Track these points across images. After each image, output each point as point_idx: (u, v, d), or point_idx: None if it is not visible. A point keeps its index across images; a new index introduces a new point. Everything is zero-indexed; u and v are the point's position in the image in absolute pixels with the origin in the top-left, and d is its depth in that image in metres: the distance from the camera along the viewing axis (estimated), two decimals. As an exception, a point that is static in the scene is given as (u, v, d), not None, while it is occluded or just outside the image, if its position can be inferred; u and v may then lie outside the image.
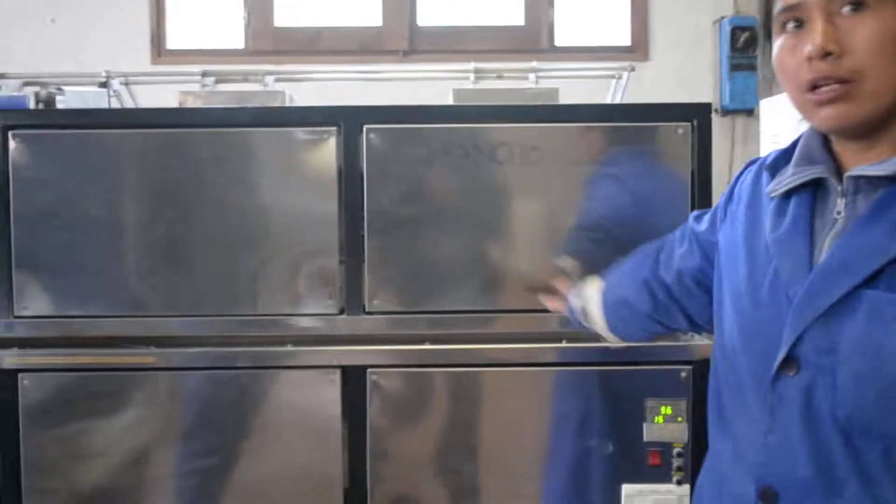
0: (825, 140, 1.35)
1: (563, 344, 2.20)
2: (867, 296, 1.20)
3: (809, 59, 1.23)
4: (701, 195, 2.17)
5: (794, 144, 1.40)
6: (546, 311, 2.16)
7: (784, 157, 1.40)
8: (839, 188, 1.29)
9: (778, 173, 1.39)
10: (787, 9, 1.27)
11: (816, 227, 1.31)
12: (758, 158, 1.52)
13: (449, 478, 2.25)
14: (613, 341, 1.86)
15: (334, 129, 2.23)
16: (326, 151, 2.23)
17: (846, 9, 1.23)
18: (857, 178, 1.27)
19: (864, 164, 1.28)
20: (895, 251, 1.20)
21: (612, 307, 1.80)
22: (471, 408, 2.25)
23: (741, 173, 1.53)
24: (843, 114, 1.24)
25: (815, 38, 1.23)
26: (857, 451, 1.21)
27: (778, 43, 1.31)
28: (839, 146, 1.33)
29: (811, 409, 1.24)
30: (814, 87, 1.24)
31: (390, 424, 2.23)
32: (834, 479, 1.23)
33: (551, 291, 2.02)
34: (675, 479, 2.20)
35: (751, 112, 4.20)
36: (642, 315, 1.72)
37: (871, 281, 1.20)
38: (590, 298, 1.85)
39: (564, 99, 2.51)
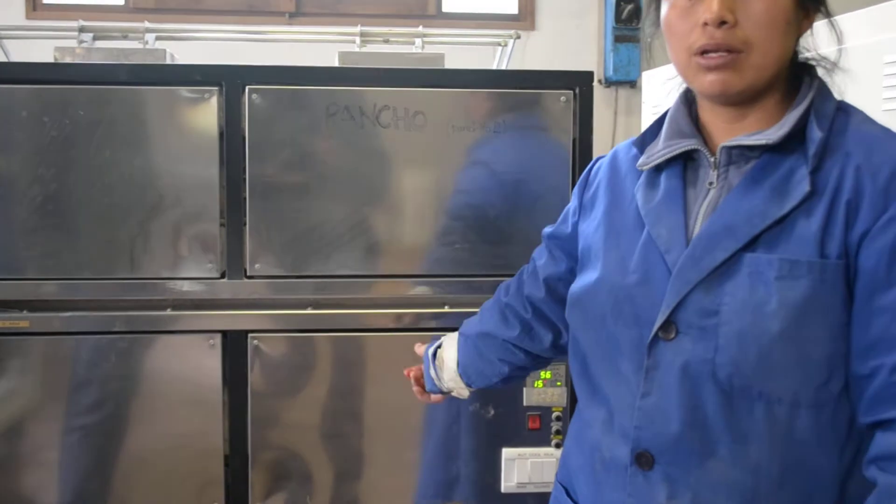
0: (692, 114, 1.39)
1: (446, 309, 2.21)
2: (748, 258, 1.24)
3: (705, 24, 1.26)
4: (582, 162, 2.20)
5: (659, 122, 1.43)
6: (430, 275, 2.17)
7: (650, 133, 1.44)
8: (711, 159, 1.33)
9: (647, 148, 1.42)
10: None
11: (689, 197, 1.35)
12: (602, 156, 1.59)
13: (331, 443, 2.25)
14: (462, 393, 1.77)
15: (216, 88, 2.18)
16: (208, 111, 2.18)
17: None
18: (730, 148, 1.31)
19: (734, 135, 1.32)
20: (773, 215, 1.25)
21: (469, 345, 1.73)
22: (353, 373, 2.24)
23: (592, 166, 1.58)
24: (727, 81, 1.28)
25: (712, 5, 1.25)
26: (736, 411, 1.24)
27: (669, 2, 1.32)
28: (709, 118, 1.37)
29: (689, 371, 1.26)
30: (703, 51, 1.27)
31: (272, 390, 2.22)
32: (708, 439, 1.26)
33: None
34: (553, 442, 2.25)
35: (633, 84, 4.28)
36: (503, 345, 1.69)
37: (751, 244, 1.25)
38: (445, 342, 1.79)
39: (450, 65, 2.50)
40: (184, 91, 2.17)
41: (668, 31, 1.33)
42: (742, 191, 1.29)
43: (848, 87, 1.40)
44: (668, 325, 1.29)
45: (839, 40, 1.35)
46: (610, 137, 4.29)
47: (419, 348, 1.85)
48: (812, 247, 1.22)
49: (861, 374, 1.20)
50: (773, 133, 1.28)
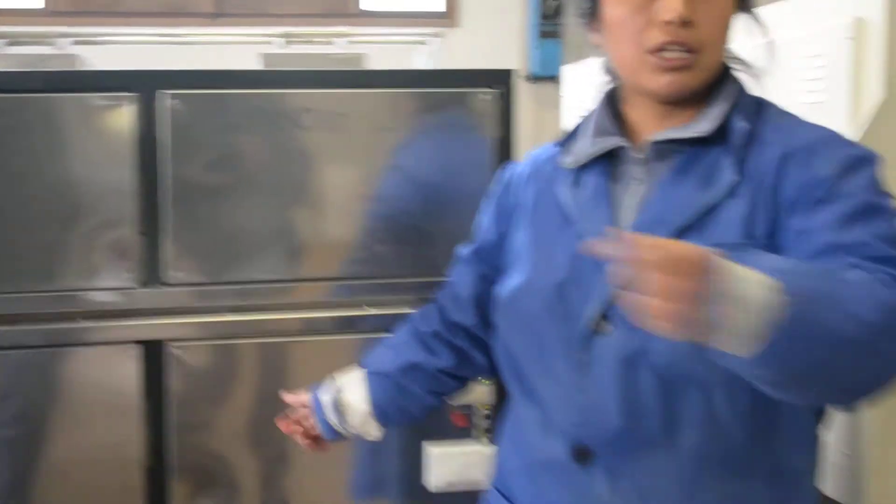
0: (615, 112, 1.40)
1: (366, 311, 2.19)
2: None
3: (666, 22, 1.25)
4: (504, 161, 2.18)
5: (583, 121, 1.43)
6: (352, 278, 2.14)
7: (574, 132, 1.44)
8: (640, 156, 1.34)
9: (571, 147, 1.42)
10: None
11: (616, 193, 1.34)
12: (514, 163, 1.59)
13: (256, 449, 2.21)
14: (373, 435, 1.65)
15: (131, 94, 2.13)
16: (123, 118, 2.13)
17: None
18: (657, 143, 1.31)
19: (662, 130, 1.32)
20: (702, 204, 1.27)
21: (387, 383, 1.62)
22: (277, 378, 2.20)
23: (506, 171, 1.57)
24: (682, 82, 1.29)
25: (675, 3, 1.24)
26: (674, 401, 1.25)
27: None
28: (639, 115, 1.38)
29: (629, 364, 1.26)
30: (660, 49, 1.27)
31: (193, 399, 2.17)
32: (647, 429, 1.27)
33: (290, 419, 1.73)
34: (481, 439, 2.23)
35: (557, 79, 4.27)
36: (435, 375, 1.61)
37: (682, 234, 1.25)
38: (346, 385, 1.64)
39: (374, 65, 2.48)
40: (99, 98, 2.11)
41: (618, 28, 1.32)
42: (671, 183, 1.30)
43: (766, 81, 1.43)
44: (601, 319, 1.29)
45: (768, 50, 1.38)
46: (536, 133, 4.29)
47: (291, 397, 1.72)
48: (739, 229, 1.24)
49: None
50: (703, 126, 1.30)
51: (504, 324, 1.46)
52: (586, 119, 1.44)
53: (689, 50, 1.27)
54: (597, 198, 1.35)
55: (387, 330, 2.14)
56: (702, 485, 1.27)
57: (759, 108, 1.34)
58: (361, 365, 1.67)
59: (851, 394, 1.11)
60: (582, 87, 3.18)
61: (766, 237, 1.24)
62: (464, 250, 1.64)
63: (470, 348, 1.62)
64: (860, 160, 1.23)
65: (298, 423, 1.70)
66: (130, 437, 2.15)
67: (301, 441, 1.70)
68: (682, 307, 0.98)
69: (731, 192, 1.26)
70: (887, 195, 1.23)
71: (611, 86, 1.44)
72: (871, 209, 1.18)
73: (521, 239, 1.46)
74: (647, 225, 1.28)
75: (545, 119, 4.35)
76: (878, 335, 1.02)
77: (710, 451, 1.26)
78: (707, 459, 1.26)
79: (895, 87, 1.73)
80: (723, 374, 1.19)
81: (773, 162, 1.26)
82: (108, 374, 2.14)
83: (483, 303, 1.57)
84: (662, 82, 1.30)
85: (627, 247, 0.99)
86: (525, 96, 4.27)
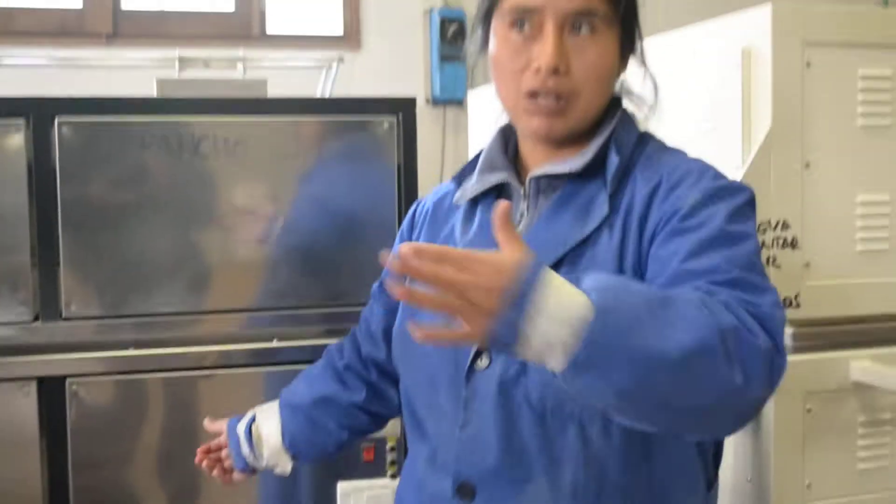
0: (506, 147, 1.42)
1: (275, 343, 2.16)
2: None
3: (538, 69, 1.27)
4: (407, 188, 2.20)
5: (478, 156, 1.45)
6: (257, 309, 2.12)
7: (469, 167, 1.46)
8: (521, 190, 1.36)
9: (463, 182, 1.44)
10: (522, 10, 1.30)
11: None
12: (422, 199, 1.58)
13: (162, 485, 2.17)
14: (286, 468, 1.64)
15: (22, 120, 2.08)
16: (14, 145, 2.07)
17: (577, 30, 1.29)
18: (538, 178, 1.34)
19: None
20: (576, 238, 1.29)
21: (299, 415, 1.62)
22: (183, 414, 2.17)
23: (416, 207, 1.58)
24: (552, 126, 1.31)
25: (547, 52, 1.27)
26: (550, 434, 1.26)
27: (500, 38, 1.33)
28: (529, 151, 1.40)
29: (505, 398, 1.28)
30: (532, 94, 1.29)
31: (93, 436, 2.11)
32: (526, 464, 1.28)
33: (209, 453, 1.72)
34: (389, 473, 2.22)
35: (461, 102, 4.30)
36: (346, 409, 1.61)
37: (556, 267, 1.26)
38: (261, 417, 1.64)
39: (275, 89, 2.46)
40: (-11, 124, 2.06)
41: (497, 68, 1.34)
42: (548, 217, 1.33)
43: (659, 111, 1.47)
44: (480, 353, 1.30)
45: (654, 87, 1.42)
46: (439, 156, 4.31)
47: (211, 425, 1.72)
48: (611, 263, 1.27)
49: None
50: (577, 162, 1.33)
51: (397, 358, 1.47)
52: (480, 153, 1.46)
53: (561, 97, 1.30)
54: (482, 233, 1.37)
55: (296, 362, 2.15)
56: None
57: (638, 142, 1.36)
58: (280, 397, 1.66)
59: (692, 420, 1.09)
60: (488, 111, 3.22)
61: (633, 269, 1.26)
62: (375, 285, 1.64)
63: (382, 383, 1.62)
64: (722, 191, 1.25)
65: (211, 451, 1.69)
66: (30, 474, 2.09)
67: (213, 472, 1.69)
68: (481, 311, 0.98)
69: (604, 226, 1.29)
70: (747, 223, 1.24)
71: (505, 118, 1.46)
72: (725, 236, 1.20)
73: None
74: None
75: (448, 142, 4.37)
76: (694, 356, 1.01)
77: (588, 485, 1.26)
78: (586, 493, 1.27)
79: (783, 116, 1.79)
80: (596, 408, 1.21)
81: (642, 196, 1.28)
82: (4, 411, 2.07)
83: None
84: (533, 125, 1.33)
85: (431, 259, 0.99)
86: (428, 120, 4.28)
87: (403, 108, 2.22)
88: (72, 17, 4.30)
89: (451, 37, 4.28)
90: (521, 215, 1.36)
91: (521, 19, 1.31)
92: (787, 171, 1.79)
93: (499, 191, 1.40)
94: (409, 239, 1.55)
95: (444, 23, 4.33)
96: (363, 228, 2.18)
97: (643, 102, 1.44)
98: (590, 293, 1.02)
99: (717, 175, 1.31)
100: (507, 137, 1.45)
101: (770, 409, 1.73)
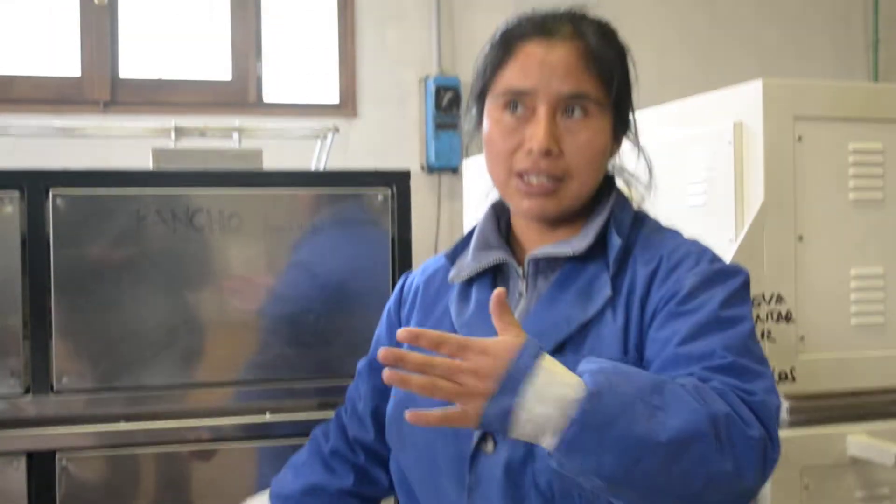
0: (499, 225, 1.42)
1: (267, 416, 2.14)
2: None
3: (529, 151, 1.28)
4: (401, 260, 2.19)
5: (471, 233, 1.45)
6: (250, 381, 2.11)
7: (462, 244, 1.45)
8: (519, 270, 1.36)
9: (457, 260, 1.44)
10: (515, 92, 1.31)
11: None
12: (410, 272, 1.60)
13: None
14: None
15: (17, 192, 2.08)
16: (8, 217, 2.06)
17: (569, 113, 1.31)
18: (537, 259, 1.34)
19: (544, 245, 1.35)
20: (579, 320, 1.29)
21: None
22: (175, 488, 2.13)
23: (403, 282, 1.57)
24: (544, 207, 1.33)
25: (540, 134, 1.28)
26: None
27: (493, 118, 1.34)
28: (522, 229, 1.40)
29: (512, 483, 1.26)
30: (523, 174, 1.30)
31: (84, 511, 2.08)
32: None
33: None
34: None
35: (455, 170, 4.33)
36: (335, 496, 1.59)
37: (559, 349, 1.26)
38: None
39: (271, 158, 2.47)
40: (-16, 195, 2.06)
41: (490, 147, 1.36)
42: (549, 298, 1.32)
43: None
44: (486, 437, 1.28)
45: (649, 168, 1.43)
46: (434, 223, 4.33)
47: None
48: (616, 346, 1.27)
49: None
50: (578, 243, 1.32)
51: (393, 441, 1.45)
52: (473, 230, 1.46)
53: (553, 178, 1.30)
54: (481, 313, 1.36)
55: (289, 435, 2.12)
56: None
57: (635, 223, 1.38)
58: (271, 487, 1.65)
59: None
60: (482, 180, 3.23)
61: (637, 350, 1.26)
62: (361, 363, 1.63)
63: (371, 466, 1.60)
64: (719, 274, 1.27)
65: None
66: (16, 552, 2.06)
67: None
68: (474, 395, 1.00)
69: (607, 308, 1.29)
70: (742, 306, 1.25)
71: (495, 198, 1.47)
72: (720, 320, 1.21)
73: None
74: None
75: (443, 209, 4.39)
76: (685, 442, 1.03)
77: None
78: None
79: (775, 189, 1.80)
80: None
81: (642, 277, 1.29)
82: (-9, 487, 2.04)
83: (381, 417, 1.55)
84: (525, 206, 1.34)
85: (428, 344, 1.02)
86: (423, 187, 4.31)
87: (398, 180, 2.22)
88: (70, 85, 4.34)
89: (447, 105, 4.33)
90: (520, 295, 1.36)
91: (513, 101, 1.32)
92: (780, 244, 1.80)
93: (495, 269, 1.40)
94: (398, 316, 1.55)
95: (440, 91, 4.38)
96: (357, 300, 2.17)
97: (638, 181, 1.45)
98: (583, 375, 1.03)
99: (714, 258, 1.31)
100: (499, 214, 1.45)
101: (767, 486, 1.72)
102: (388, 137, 4.37)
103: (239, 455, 2.12)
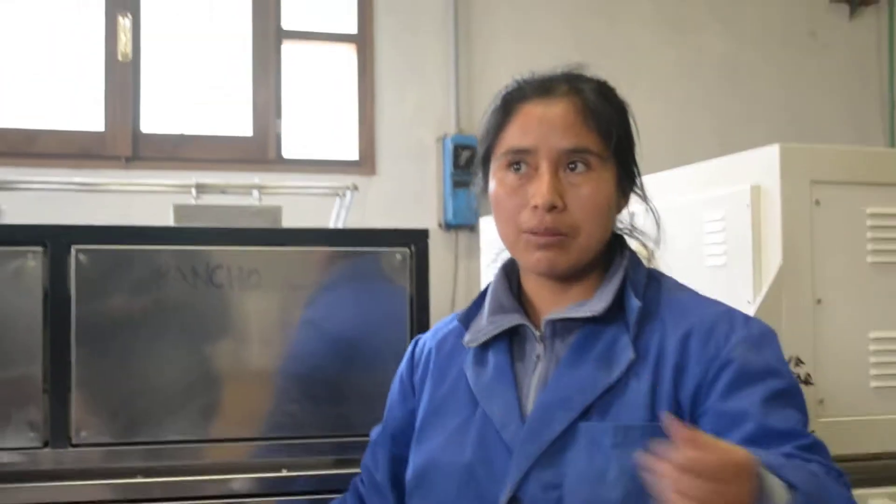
0: (514, 286, 1.43)
1: (284, 473, 2.14)
2: (584, 427, 1.27)
3: (535, 207, 1.29)
4: (419, 318, 2.20)
5: (483, 295, 1.45)
6: (267, 438, 2.11)
7: (475, 307, 1.45)
8: (537, 333, 1.36)
9: (472, 324, 1.43)
10: (517, 151, 1.33)
11: (518, 372, 1.36)
12: (420, 335, 1.59)
13: None
14: None
15: (40, 248, 2.10)
16: (31, 271, 2.09)
17: (571, 168, 1.32)
18: (553, 321, 1.34)
19: (558, 305, 1.35)
20: (604, 384, 1.29)
21: None
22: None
23: (414, 346, 1.57)
24: (554, 260, 1.33)
25: (543, 190, 1.30)
26: None
27: (498, 179, 1.36)
28: (534, 289, 1.41)
29: None
30: (531, 232, 1.31)
31: (102, 567, 2.08)
32: None
33: None
34: None
35: (473, 227, 4.35)
36: None
37: (585, 413, 1.27)
38: None
39: (290, 214, 2.49)
40: (5, 251, 2.08)
41: (497, 207, 1.37)
42: (570, 362, 1.32)
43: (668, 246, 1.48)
44: (513, 501, 1.28)
45: (657, 221, 1.43)
46: (451, 280, 4.34)
47: None
48: (643, 411, 1.27)
49: None
50: (596, 305, 1.33)
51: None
52: (485, 293, 1.46)
53: (559, 233, 1.32)
54: (499, 378, 1.36)
55: (305, 493, 2.12)
56: None
57: (651, 282, 1.38)
58: None
59: None
60: (496, 240, 3.26)
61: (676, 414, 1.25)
62: (375, 431, 1.62)
63: None
64: (763, 337, 1.29)
65: None
66: None
67: None
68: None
69: (632, 371, 1.29)
70: (790, 372, 1.28)
71: (504, 259, 1.47)
72: (786, 393, 1.24)
73: (426, 414, 1.45)
74: (549, 407, 1.29)
75: (461, 267, 4.41)
76: None
77: None
78: None
79: (793, 252, 1.81)
80: None
81: (673, 341, 1.29)
82: (8, 541, 2.04)
83: (401, 485, 1.52)
84: (533, 260, 1.34)
85: (680, 446, 1.00)
86: (440, 244, 4.33)
87: (417, 240, 2.24)
88: (93, 140, 4.40)
89: (465, 163, 4.36)
90: (537, 358, 1.36)
91: (516, 161, 1.34)
92: (798, 307, 1.80)
93: (510, 332, 1.40)
94: (411, 381, 1.54)
95: (458, 149, 4.42)
96: (374, 357, 2.18)
97: (647, 238, 1.46)
98: (786, 483, 1.06)
99: (746, 317, 1.34)
100: (510, 276, 1.46)
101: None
102: (407, 195, 4.40)
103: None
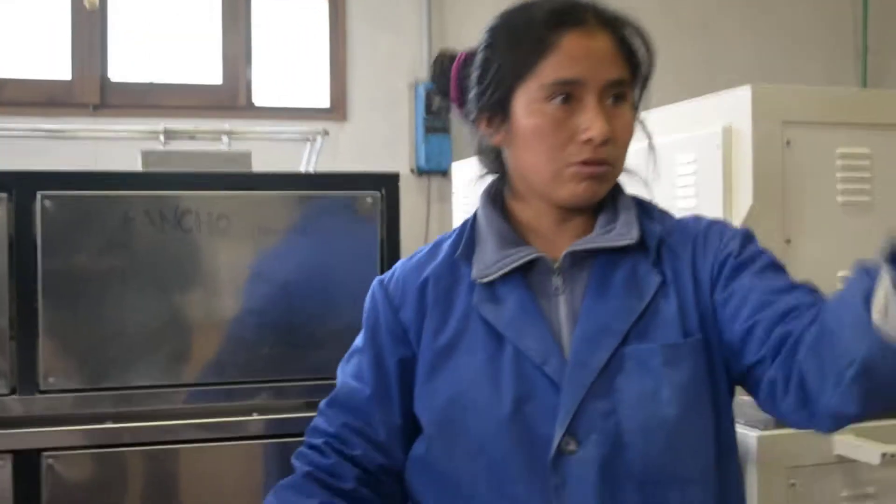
0: (503, 214, 1.39)
1: (254, 416, 2.14)
2: (630, 352, 1.27)
3: (588, 140, 1.28)
4: (390, 261, 2.19)
5: (472, 227, 1.40)
6: (237, 382, 2.10)
7: (468, 244, 1.40)
8: (556, 266, 1.33)
9: (474, 258, 1.37)
10: (564, 83, 1.29)
11: (542, 305, 1.33)
12: (381, 276, 1.46)
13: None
14: None
15: (4, 195, 2.07)
16: (-3, 217, 2.07)
17: (610, 99, 1.31)
18: (572, 252, 1.32)
19: (561, 236, 1.34)
20: (638, 309, 1.30)
21: None
22: (159, 487, 2.13)
23: (383, 288, 1.43)
24: (598, 191, 1.33)
25: (599, 124, 1.28)
26: (654, 502, 1.25)
27: (536, 110, 1.30)
28: (533, 216, 1.37)
29: (604, 475, 1.24)
30: (586, 164, 1.30)
31: (71, 511, 2.07)
32: None
33: None
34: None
35: (445, 173, 4.33)
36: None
37: (625, 340, 1.28)
38: None
39: (260, 160, 2.47)
40: (-30, 198, 2.05)
41: (534, 139, 1.30)
42: (598, 292, 1.31)
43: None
44: (567, 437, 1.25)
45: (654, 159, 1.43)
46: (424, 225, 4.32)
47: None
48: (676, 329, 1.29)
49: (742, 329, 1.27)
50: (626, 233, 1.33)
51: (440, 452, 1.35)
52: (476, 224, 1.40)
53: (607, 163, 1.31)
54: (525, 313, 1.31)
55: (276, 436, 2.12)
56: None
57: (644, 209, 1.40)
58: None
59: None
60: (469, 182, 3.24)
61: (698, 330, 1.29)
62: (356, 391, 1.42)
63: (394, 488, 1.41)
64: (747, 234, 1.36)
65: None
66: (1, 553, 2.05)
67: None
68: None
69: (659, 295, 1.31)
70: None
71: (489, 183, 1.43)
72: (777, 265, 1.32)
73: (432, 354, 1.36)
74: (592, 335, 1.28)
75: (432, 212, 4.39)
76: None
77: None
78: None
79: (764, 193, 1.81)
80: (695, 468, 1.26)
81: (685, 262, 1.33)
82: (-23, 487, 2.04)
83: (408, 439, 1.39)
84: (579, 190, 1.31)
85: None
86: (412, 190, 4.31)
87: (387, 183, 2.23)
88: (60, 88, 4.33)
89: (436, 109, 4.33)
90: (556, 289, 1.33)
91: (562, 92, 1.30)
92: (768, 247, 1.79)
93: (521, 266, 1.36)
94: (398, 321, 1.40)
95: (430, 95, 4.38)
96: (344, 301, 2.17)
97: (635, 173, 1.44)
98: None
99: (728, 223, 1.42)
100: (498, 203, 1.42)
101: (753, 484, 1.72)
102: (378, 141, 4.37)
103: (225, 454, 2.12)
